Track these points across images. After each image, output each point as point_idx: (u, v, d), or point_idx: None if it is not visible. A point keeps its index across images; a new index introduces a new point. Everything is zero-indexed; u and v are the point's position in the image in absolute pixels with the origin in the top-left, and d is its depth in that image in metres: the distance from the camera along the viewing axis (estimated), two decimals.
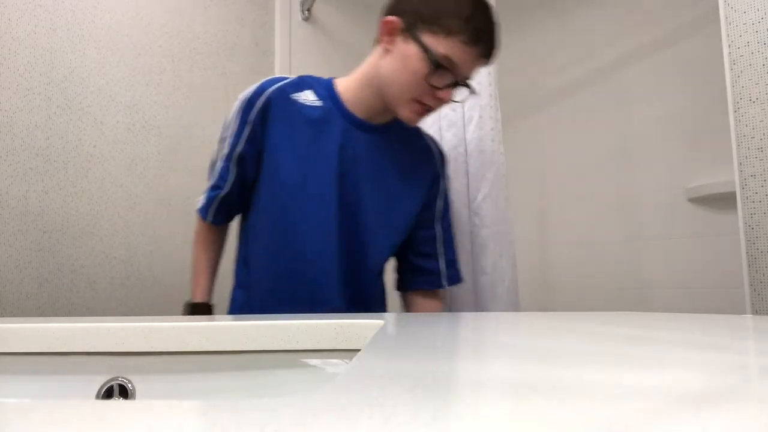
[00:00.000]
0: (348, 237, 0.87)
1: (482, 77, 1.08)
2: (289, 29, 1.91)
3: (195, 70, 1.68)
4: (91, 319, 0.52)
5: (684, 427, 0.16)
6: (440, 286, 0.97)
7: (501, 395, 0.20)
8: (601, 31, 1.87)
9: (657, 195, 1.76)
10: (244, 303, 0.90)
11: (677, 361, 0.28)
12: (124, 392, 0.46)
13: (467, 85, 0.84)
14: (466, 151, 1.10)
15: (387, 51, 0.84)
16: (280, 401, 0.19)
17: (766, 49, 0.94)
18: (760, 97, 0.94)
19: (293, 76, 0.91)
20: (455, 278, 0.98)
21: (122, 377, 0.47)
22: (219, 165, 0.90)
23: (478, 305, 1.07)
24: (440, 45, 0.78)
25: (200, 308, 0.93)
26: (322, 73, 0.91)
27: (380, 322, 0.48)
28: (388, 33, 0.83)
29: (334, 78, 0.92)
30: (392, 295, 1.00)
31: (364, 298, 0.90)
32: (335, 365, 0.48)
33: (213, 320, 0.50)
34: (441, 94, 0.82)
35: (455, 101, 0.86)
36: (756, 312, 0.92)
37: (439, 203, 0.97)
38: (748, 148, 0.95)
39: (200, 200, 0.94)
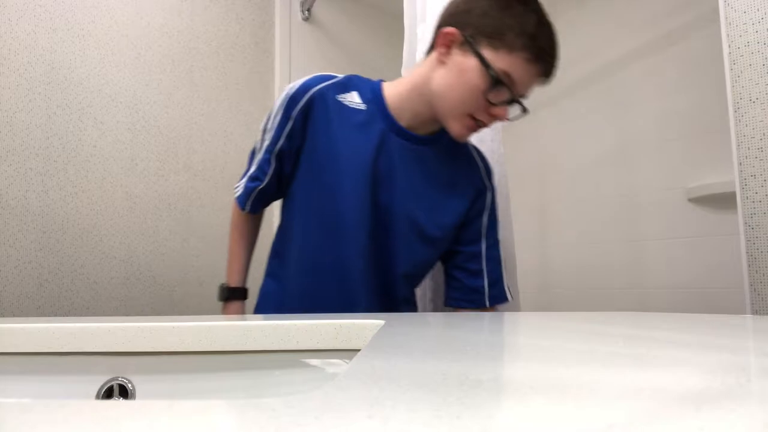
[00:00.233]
0: (378, 241, 0.86)
1: None
2: (289, 29, 1.91)
3: (195, 70, 1.68)
4: (91, 319, 0.53)
5: (684, 427, 0.16)
6: (483, 305, 0.93)
7: (501, 395, 0.20)
8: (601, 31, 1.87)
9: (657, 195, 1.76)
10: (275, 293, 0.91)
11: (677, 361, 0.28)
12: (124, 392, 0.46)
13: (521, 104, 0.82)
14: None
15: (441, 63, 0.81)
16: (280, 401, 0.19)
17: (766, 49, 0.94)
18: (760, 97, 0.94)
19: (340, 75, 0.90)
20: (499, 298, 0.94)
21: (122, 377, 0.47)
22: (260, 156, 0.89)
23: None
24: (501, 60, 0.76)
25: (235, 292, 0.97)
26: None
27: (380, 322, 0.48)
28: (445, 45, 0.80)
29: (383, 81, 0.91)
30: None
31: (392, 308, 0.89)
32: (335, 365, 0.48)
33: (213, 320, 0.50)
34: (496, 110, 0.79)
35: (508, 119, 0.83)
36: (756, 312, 0.92)
37: (484, 219, 0.94)
38: (748, 148, 0.95)
39: (238, 188, 0.94)
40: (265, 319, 0.50)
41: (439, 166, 0.89)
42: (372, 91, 0.88)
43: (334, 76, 0.89)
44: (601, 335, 0.40)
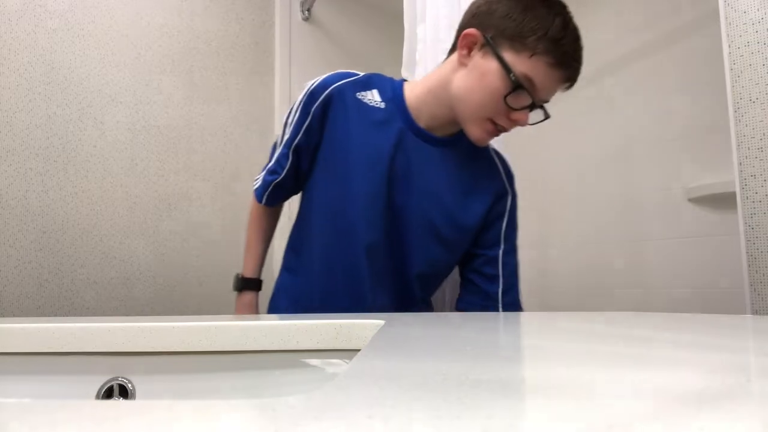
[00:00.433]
0: (392, 240, 0.85)
1: None
2: (289, 29, 1.91)
3: (195, 70, 1.68)
4: (91, 319, 0.52)
5: (684, 427, 0.16)
6: (495, 311, 0.91)
7: (501, 395, 0.20)
8: (601, 31, 1.87)
9: (657, 195, 1.76)
10: (291, 288, 0.92)
11: (677, 361, 0.28)
12: (124, 392, 0.46)
13: (543, 109, 0.80)
14: None
15: (462, 65, 0.80)
16: (280, 401, 0.19)
17: (766, 49, 0.94)
18: (760, 97, 0.94)
19: (361, 72, 0.89)
20: (512, 306, 0.92)
21: (122, 377, 0.47)
22: (280, 150, 0.90)
23: None
24: (522, 64, 0.74)
25: (250, 283, 0.98)
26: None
27: (380, 322, 0.48)
28: (466, 46, 0.79)
29: (405, 80, 0.90)
30: None
31: (407, 308, 0.89)
32: (335, 365, 0.48)
33: (213, 320, 0.50)
34: (516, 115, 0.77)
35: (529, 124, 0.81)
36: (756, 312, 0.92)
37: (503, 223, 0.92)
38: (748, 148, 0.95)
39: (257, 180, 0.95)
40: (264, 319, 0.50)
41: (457, 168, 0.88)
42: (392, 90, 0.87)
43: (355, 74, 0.88)
44: (601, 335, 0.40)
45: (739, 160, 0.96)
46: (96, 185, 1.45)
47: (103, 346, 0.48)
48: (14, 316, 1.24)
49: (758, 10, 0.95)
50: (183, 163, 1.63)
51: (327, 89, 0.85)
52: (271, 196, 0.93)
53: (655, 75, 1.78)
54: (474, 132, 0.81)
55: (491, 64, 0.76)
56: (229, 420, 0.17)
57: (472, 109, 0.79)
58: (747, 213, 0.95)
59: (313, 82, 0.87)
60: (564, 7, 0.77)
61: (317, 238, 0.88)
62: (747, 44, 0.96)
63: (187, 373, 0.48)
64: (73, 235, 1.39)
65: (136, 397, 0.46)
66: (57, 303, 1.35)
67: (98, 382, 0.46)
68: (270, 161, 0.93)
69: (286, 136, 0.88)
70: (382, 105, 0.85)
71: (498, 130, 0.81)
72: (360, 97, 0.85)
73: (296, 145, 0.87)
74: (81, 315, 1.37)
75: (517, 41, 0.74)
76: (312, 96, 0.85)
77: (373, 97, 0.86)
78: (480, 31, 0.77)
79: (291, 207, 1.01)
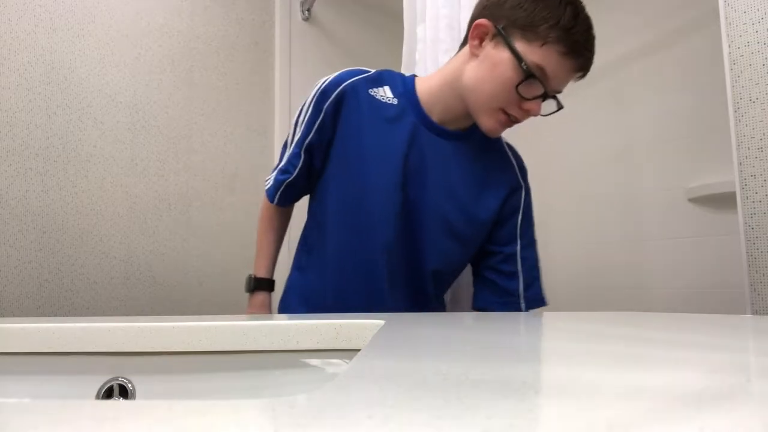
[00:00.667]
0: (407, 237, 0.85)
1: None
2: (289, 29, 1.91)
3: (195, 70, 1.68)
4: (91, 319, 0.52)
5: (684, 427, 0.16)
6: (518, 308, 0.90)
7: (501, 395, 0.20)
8: (600, 31, 1.87)
9: (657, 195, 1.76)
10: (302, 287, 0.91)
11: (677, 361, 0.28)
12: (124, 392, 0.46)
13: (556, 99, 0.80)
14: None
15: (474, 55, 0.79)
16: (280, 401, 0.19)
17: (766, 49, 0.94)
18: (760, 97, 0.94)
19: (373, 70, 0.88)
20: (536, 301, 0.90)
21: (122, 377, 0.47)
22: (291, 149, 0.89)
23: None
24: (534, 54, 0.74)
25: (263, 283, 0.97)
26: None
27: (380, 322, 0.48)
28: (478, 37, 0.78)
29: (416, 76, 0.90)
30: None
31: (422, 305, 0.88)
32: (335, 365, 0.48)
33: (213, 320, 0.50)
34: (528, 105, 0.77)
35: (542, 114, 0.80)
36: (756, 312, 0.92)
37: (519, 218, 0.91)
38: (748, 148, 0.95)
39: (269, 180, 0.94)
40: (264, 319, 0.50)
41: (471, 162, 0.87)
42: (404, 85, 0.87)
43: (367, 71, 0.87)
44: (602, 335, 0.40)
45: (739, 160, 0.96)
46: (96, 185, 1.45)
47: (103, 346, 0.48)
48: (14, 316, 1.24)
49: (758, 10, 0.95)
50: (183, 163, 1.63)
51: (339, 86, 0.84)
52: (284, 196, 0.92)
53: (655, 75, 1.78)
54: (486, 123, 0.81)
55: (503, 54, 0.76)
56: (229, 420, 0.17)
57: (484, 99, 0.79)
58: (747, 213, 0.95)
59: (324, 80, 0.86)
60: None
61: (332, 236, 0.87)
62: (747, 44, 0.96)
63: (187, 373, 0.48)
64: (73, 235, 1.39)
65: (136, 397, 0.46)
66: (57, 303, 1.35)
67: (98, 382, 0.46)
68: (281, 161, 0.92)
69: (298, 135, 0.87)
70: (395, 101, 0.85)
71: (511, 120, 0.80)
72: (372, 93, 0.85)
73: (308, 144, 0.86)
74: (81, 315, 1.37)
75: (529, 31, 0.74)
76: (324, 93, 0.85)
77: (385, 93, 0.85)
78: (491, 22, 0.77)
79: (301, 205, 1.01)
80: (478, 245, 0.91)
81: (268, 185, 0.94)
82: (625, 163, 1.85)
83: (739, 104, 0.97)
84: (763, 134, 0.94)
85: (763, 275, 0.92)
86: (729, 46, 0.99)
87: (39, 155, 1.35)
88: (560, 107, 0.80)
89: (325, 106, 0.84)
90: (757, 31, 0.95)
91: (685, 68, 1.70)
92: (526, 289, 0.89)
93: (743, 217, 0.95)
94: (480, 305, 0.92)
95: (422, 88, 0.86)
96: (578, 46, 0.75)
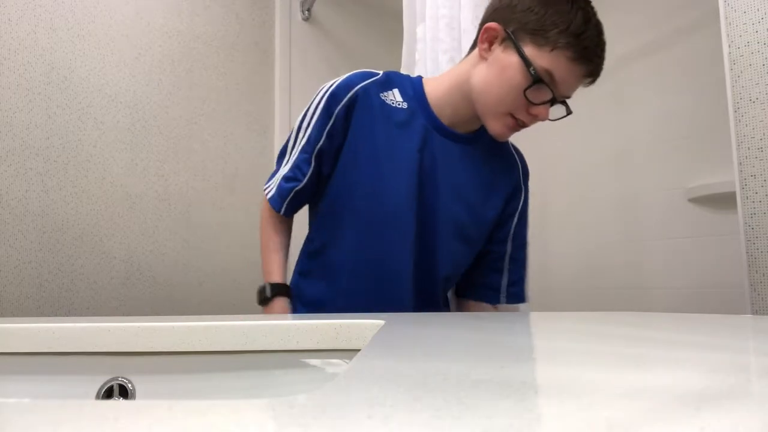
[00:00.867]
0: (423, 243, 0.84)
1: None
2: (289, 29, 1.91)
3: (195, 70, 1.68)
4: (91, 319, 0.52)
5: (684, 427, 0.16)
6: (497, 301, 0.92)
7: (501, 395, 0.20)
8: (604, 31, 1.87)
9: (657, 195, 1.76)
10: (306, 292, 0.89)
11: (677, 361, 0.28)
12: (124, 392, 0.46)
13: (565, 104, 0.79)
14: None
15: (483, 58, 0.79)
16: (280, 401, 0.19)
17: (766, 49, 0.94)
18: (760, 97, 0.94)
19: (379, 71, 0.87)
20: (517, 297, 0.93)
21: (122, 377, 0.47)
22: (297, 156, 0.85)
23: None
24: (543, 58, 0.73)
25: (280, 288, 0.89)
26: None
27: (380, 322, 0.48)
28: (487, 40, 0.78)
29: (423, 77, 0.89)
30: None
31: (431, 310, 0.88)
32: (335, 365, 0.48)
33: (213, 320, 0.50)
34: (536, 110, 0.76)
35: (551, 120, 0.80)
36: (756, 312, 0.92)
37: (515, 220, 0.93)
38: (748, 148, 0.95)
39: (270, 189, 0.89)
40: (264, 319, 0.50)
41: (480, 164, 0.87)
42: (413, 88, 0.86)
43: (375, 73, 0.86)
44: (601, 335, 0.40)
45: (739, 160, 0.96)
46: (96, 185, 1.45)
47: (103, 346, 0.48)
48: (14, 316, 1.24)
49: (758, 10, 0.95)
50: (183, 163, 1.63)
51: (351, 90, 0.82)
52: (291, 205, 0.88)
53: (656, 75, 1.78)
54: (494, 127, 0.80)
55: (512, 58, 0.75)
56: (229, 420, 0.17)
57: (492, 103, 0.78)
58: (747, 213, 0.95)
59: (332, 83, 0.84)
60: (587, 1, 0.76)
61: (345, 243, 0.84)
62: (747, 44, 0.96)
63: (187, 373, 0.48)
64: (73, 235, 1.39)
65: (136, 397, 0.46)
66: (57, 303, 1.35)
67: (98, 382, 0.46)
68: (280, 168, 0.88)
69: (304, 141, 0.84)
70: (404, 105, 0.84)
71: (518, 125, 0.80)
72: (383, 97, 0.84)
73: (319, 150, 0.83)
74: (81, 315, 1.37)
75: (539, 35, 0.73)
76: (334, 97, 0.82)
77: (395, 97, 0.84)
78: (501, 25, 0.76)
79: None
80: (482, 245, 0.91)
81: (271, 194, 0.88)
82: (625, 163, 1.85)
83: (739, 104, 0.97)
84: (763, 134, 0.94)
85: (763, 275, 0.92)
86: (729, 46, 0.99)
87: (39, 155, 1.35)
88: (569, 112, 0.80)
89: (336, 111, 0.82)
90: (757, 31, 0.95)
91: (685, 68, 1.70)
92: (510, 285, 0.92)
93: (743, 217, 0.95)
94: (461, 294, 0.94)
95: (431, 90, 0.85)
96: (588, 52, 0.74)
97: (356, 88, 0.82)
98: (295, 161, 0.85)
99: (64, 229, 1.38)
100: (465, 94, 0.82)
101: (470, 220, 0.87)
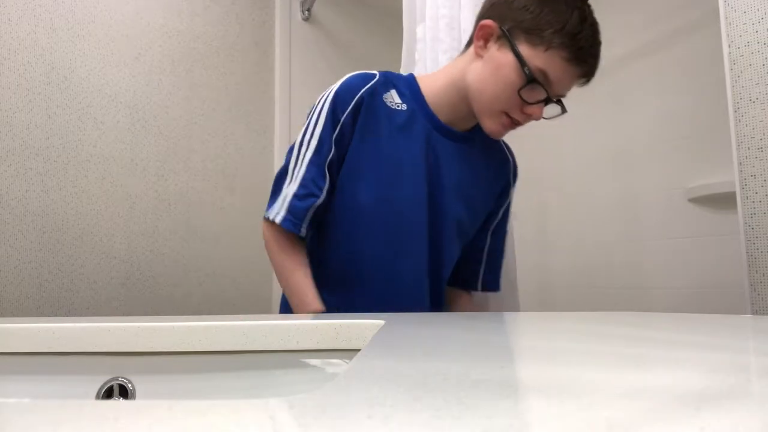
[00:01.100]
0: (433, 245, 0.84)
1: None
2: (289, 29, 1.91)
3: (195, 70, 1.68)
4: (91, 319, 0.52)
5: (684, 427, 0.16)
6: (474, 288, 0.93)
7: (501, 395, 0.20)
8: (601, 31, 1.87)
9: (657, 195, 1.76)
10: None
11: (677, 361, 0.28)
12: (124, 392, 0.46)
13: (560, 104, 0.79)
14: None
15: (478, 56, 0.79)
16: (280, 401, 0.19)
17: (766, 49, 0.94)
18: (760, 97, 0.94)
19: (375, 71, 0.84)
20: (491, 285, 0.95)
21: (122, 377, 0.47)
22: (306, 170, 0.78)
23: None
24: (537, 58, 0.73)
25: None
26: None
27: (380, 322, 0.48)
28: (483, 38, 0.77)
29: (415, 75, 0.88)
30: None
31: (436, 304, 0.88)
32: (335, 365, 0.48)
33: (213, 320, 0.50)
34: (530, 109, 0.76)
35: (545, 118, 0.79)
36: (756, 312, 0.92)
37: (500, 214, 0.94)
38: (748, 148, 0.95)
39: (277, 213, 0.79)
40: (264, 319, 0.50)
41: (477, 162, 0.87)
42: (409, 87, 0.84)
43: (373, 74, 0.83)
44: (601, 335, 0.40)
45: (739, 160, 0.96)
46: (96, 185, 1.45)
47: (103, 346, 0.48)
48: (14, 316, 1.24)
49: (758, 10, 0.95)
50: (183, 163, 1.63)
51: (356, 94, 0.80)
52: (309, 224, 0.80)
53: (656, 75, 1.78)
54: (489, 125, 0.80)
55: (507, 57, 0.75)
56: (229, 420, 0.17)
57: (487, 101, 0.78)
58: (747, 213, 0.95)
59: (330, 90, 0.81)
60: (584, 1, 0.76)
61: (356, 252, 0.82)
62: (747, 44, 0.96)
63: (187, 373, 0.48)
64: (73, 235, 1.39)
65: (136, 397, 0.46)
66: (57, 303, 1.35)
67: (98, 382, 0.46)
68: (282, 189, 0.80)
69: (310, 154, 0.79)
70: (404, 107, 0.83)
71: (513, 123, 0.79)
72: (385, 100, 0.82)
73: (330, 161, 0.79)
74: (81, 315, 1.37)
75: (534, 34, 0.73)
76: (339, 103, 0.79)
77: (393, 99, 0.83)
78: (497, 23, 0.76)
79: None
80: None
81: (281, 218, 0.78)
82: (624, 163, 1.85)
83: (739, 104, 0.97)
84: (763, 134, 0.94)
85: (763, 275, 0.92)
86: (729, 46, 0.99)
87: (39, 155, 1.35)
88: (564, 111, 0.80)
89: (343, 117, 0.79)
90: (757, 31, 0.95)
91: (685, 68, 1.70)
92: (486, 272, 0.94)
93: (743, 217, 0.95)
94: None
95: (427, 88, 0.85)
96: (583, 53, 0.74)
97: (361, 92, 0.80)
98: (304, 177, 0.79)
99: (64, 229, 1.38)
100: (461, 92, 0.81)
101: (468, 217, 0.88)
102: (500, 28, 0.76)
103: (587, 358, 0.30)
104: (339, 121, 0.79)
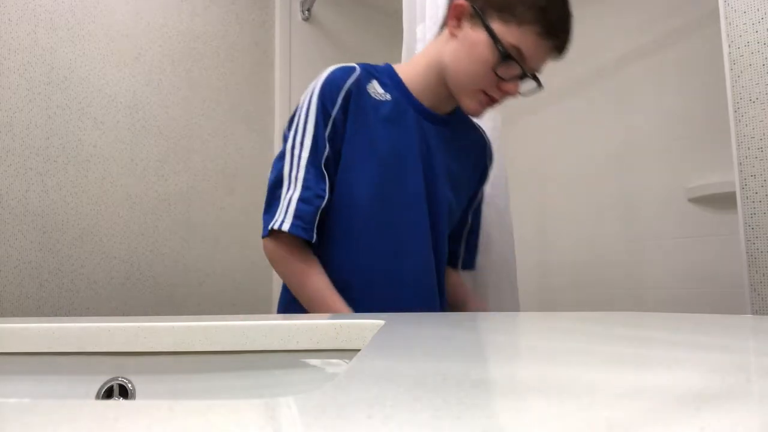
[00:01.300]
0: (432, 238, 0.84)
1: None
2: (289, 29, 1.91)
3: (195, 70, 1.68)
4: (91, 319, 0.52)
5: (684, 427, 0.16)
6: (454, 266, 0.97)
7: (501, 395, 0.20)
8: (601, 31, 1.87)
9: (657, 195, 1.76)
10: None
11: (677, 361, 0.28)
12: (124, 392, 0.46)
13: (535, 78, 0.79)
14: None
15: (453, 36, 0.79)
16: (280, 401, 0.19)
17: (766, 49, 0.94)
18: (760, 97, 0.94)
19: (354, 64, 0.83)
20: (469, 264, 0.99)
21: (122, 377, 0.47)
22: (306, 172, 0.76)
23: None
24: (510, 34, 0.74)
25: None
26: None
27: (380, 322, 0.48)
28: (456, 17, 0.78)
29: (392, 65, 0.87)
30: None
31: (441, 307, 0.88)
32: (335, 365, 0.48)
33: (213, 320, 0.50)
34: (506, 86, 0.77)
35: (521, 94, 0.80)
36: (756, 312, 0.92)
37: (479, 196, 0.98)
38: (748, 148, 0.95)
39: (282, 221, 0.74)
40: (264, 319, 0.50)
41: (460, 145, 0.88)
42: (389, 77, 0.84)
43: (353, 67, 0.82)
44: (601, 335, 0.40)
45: (739, 160, 0.96)
46: (96, 185, 1.44)
47: (103, 346, 0.48)
48: (14, 316, 1.24)
49: (758, 10, 0.95)
50: (183, 163, 1.63)
51: (342, 88, 0.79)
52: (317, 228, 0.76)
53: (655, 75, 1.78)
54: (468, 104, 0.81)
55: (480, 35, 0.76)
56: (229, 420, 0.17)
57: (463, 80, 0.79)
58: (747, 213, 0.95)
59: (313, 88, 0.79)
60: None
61: (355, 249, 0.80)
62: (747, 44, 0.96)
63: (187, 373, 0.48)
64: (73, 235, 1.39)
65: (136, 397, 0.46)
66: (57, 303, 1.35)
67: (98, 382, 0.46)
68: (281, 196, 0.76)
69: (307, 155, 0.76)
70: (388, 97, 0.82)
71: (491, 101, 0.80)
72: (370, 92, 0.82)
73: (326, 159, 0.77)
74: (81, 315, 1.37)
75: (506, 11, 0.74)
76: (326, 99, 0.78)
77: (377, 89, 0.82)
78: (468, 2, 0.77)
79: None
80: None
81: (288, 225, 0.73)
82: (624, 163, 1.85)
83: (739, 104, 0.97)
84: (763, 134, 0.94)
85: (763, 275, 0.92)
86: (729, 46, 0.99)
87: (39, 155, 1.35)
88: (540, 87, 0.80)
89: (334, 113, 0.78)
90: (757, 31, 0.95)
91: (685, 68, 1.70)
92: (466, 252, 0.98)
93: (743, 217, 0.95)
94: None
95: (407, 76, 0.85)
96: (554, 27, 0.75)
97: (348, 85, 0.79)
98: (306, 178, 0.76)
99: (64, 229, 1.38)
100: (440, 74, 0.82)
101: (456, 202, 0.89)
102: (472, 6, 0.76)
103: (587, 358, 0.30)
104: (330, 116, 0.78)
